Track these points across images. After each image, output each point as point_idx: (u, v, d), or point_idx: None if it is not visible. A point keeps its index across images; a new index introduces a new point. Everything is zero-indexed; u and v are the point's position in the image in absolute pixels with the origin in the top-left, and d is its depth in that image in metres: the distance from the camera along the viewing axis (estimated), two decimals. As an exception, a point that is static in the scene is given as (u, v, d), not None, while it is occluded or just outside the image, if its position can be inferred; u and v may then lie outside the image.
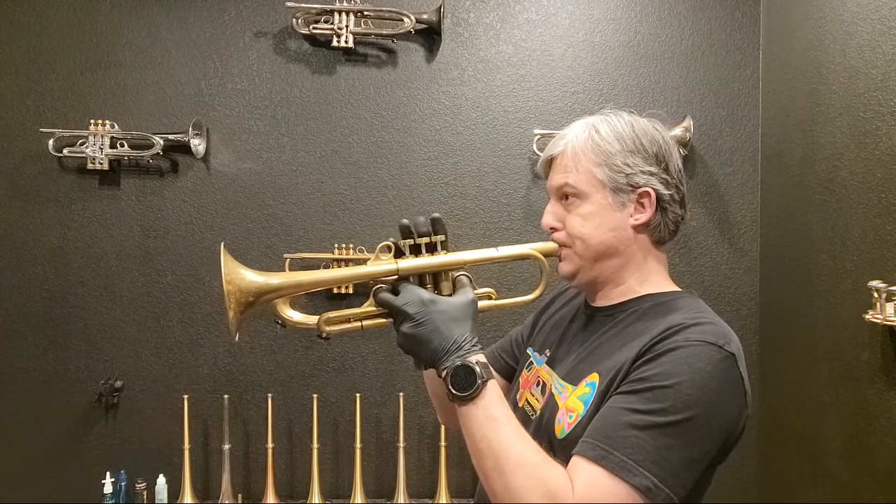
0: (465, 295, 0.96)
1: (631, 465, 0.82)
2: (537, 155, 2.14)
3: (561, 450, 0.92)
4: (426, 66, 2.23)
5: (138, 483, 2.07)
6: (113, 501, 2.04)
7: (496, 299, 1.07)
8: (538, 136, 2.13)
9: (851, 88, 1.64)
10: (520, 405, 1.10)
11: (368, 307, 0.97)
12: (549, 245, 1.05)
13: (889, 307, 1.39)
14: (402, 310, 0.92)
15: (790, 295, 2.00)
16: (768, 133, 2.18)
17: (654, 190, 1.02)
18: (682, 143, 2.13)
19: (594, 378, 0.96)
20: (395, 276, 0.96)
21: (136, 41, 2.18)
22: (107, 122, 2.12)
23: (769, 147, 2.17)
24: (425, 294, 0.94)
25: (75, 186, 2.17)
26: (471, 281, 1.00)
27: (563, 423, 0.95)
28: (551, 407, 1.01)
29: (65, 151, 2.10)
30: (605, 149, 1.04)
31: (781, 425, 2.04)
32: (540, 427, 1.01)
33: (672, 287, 1.06)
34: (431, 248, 0.99)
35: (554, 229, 1.06)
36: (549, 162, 1.08)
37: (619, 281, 1.06)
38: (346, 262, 2.14)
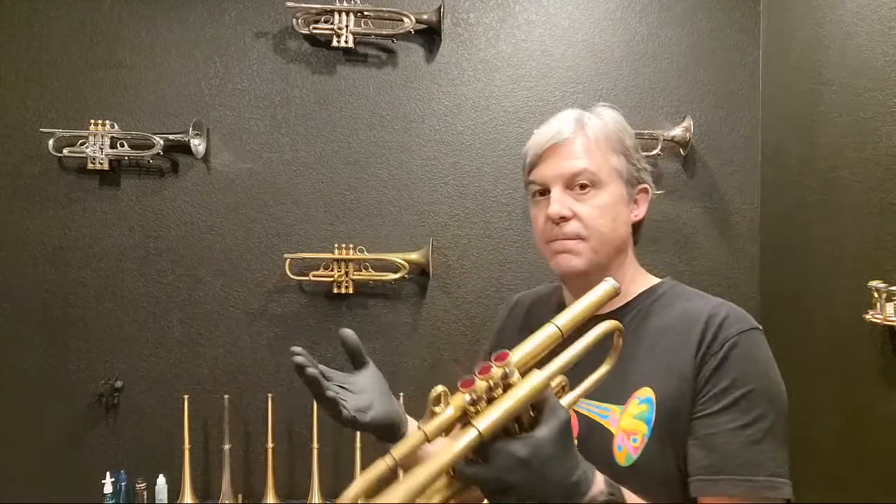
0: (557, 416, 0.72)
1: (773, 482, 0.85)
2: (537, 155, 2.14)
3: (630, 477, 0.84)
4: (426, 66, 2.23)
5: (138, 483, 2.06)
6: (113, 501, 2.04)
7: (575, 388, 0.83)
8: (538, 136, 2.13)
9: (851, 88, 1.64)
10: None
11: (447, 490, 0.72)
12: (613, 323, 0.84)
13: (889, 307, 1.40)
14: (501, 481, 0.70)
15: (790, 295, 2.00)
16: (768, 133, 2.18)
17: (650, 187, 1.03)
18: (682, 143, 2.14)
19: (647, 393, 0.90)
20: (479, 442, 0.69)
21: (136, 41, 2.18)
22: (107, 122, 2.12)
23: (769, 147, 2.17)
24: (520, 449, 0.69)
25: (75, 186, 2.17)
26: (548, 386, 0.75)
27: (627, 448, 0.88)
28: (597, 433, 0.91)
29: (65, 151, 2.10)
30: (622, 138, 1.00)
31: (781, 425, 2.04)
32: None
33: (652, 277, 1.06)
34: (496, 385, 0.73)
35: (564, 219, 0.96)
36: (550, 147, 0.99)
37: (624, 279, 1.00)
38: (346, 261, 2.14)
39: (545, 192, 0.99)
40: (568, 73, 2.22)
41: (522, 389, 0.70)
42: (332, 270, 2.14)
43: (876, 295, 1.43)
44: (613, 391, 0.91)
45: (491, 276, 2.20)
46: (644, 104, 2.21)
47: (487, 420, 0.68)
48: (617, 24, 2.22)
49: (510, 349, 0.73)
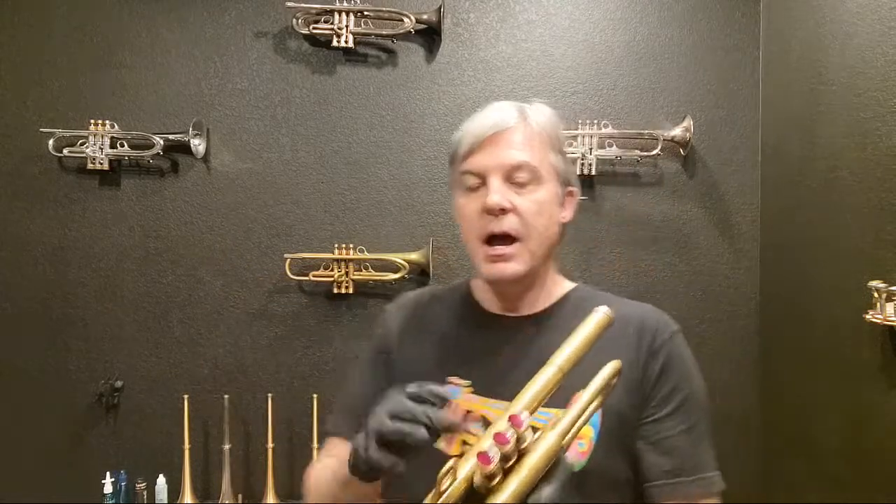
0: (565, 471, 0.70)
1: (717, 477, 0.91)
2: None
3: (581, 482, 0.81)
4: (426, 66, 2.23)
5: (138, 483, 2.06)
6: (113, 501, 2.04)
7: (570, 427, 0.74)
8: (538, 136, 2.13)
9: (851, 88, 1.64)
10: (453, 454, 0.86)
11: None
12: (616, 364, 0.80)
13: (889, 307, 1.40)
14: None
15: (790, 295, 2.00)
16: (768, 133, 2.18)
17: (576, 190, 1.01)
18: (682, 143, 2.14)
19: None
20: None
21: (136, 41, 2.18)
22: (107, 122, 2.12)
23: (769, 147, 2.17)
24: None
25: (75, 186, 2.16)
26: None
27: (575, 454, 0.86)
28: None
29: (65, 151, 2.10)
30: (559, 136, 0.98)
31: (782, 425, 2.05)
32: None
33: (568, 280, 1.04)
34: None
35: (504, 211, 0.91)
36: (492, 136, 0.93)
37: (545, 283, 0.99)
38: (346, 261, 2.14)
39: (480, 183, 0.93)
40: (568, 73, 2.22)
41: (539, 457, 0.66)
42: (332, 270, 2.14)
43: (876, 295, 1.43)
44: (556, 395, 0.81)
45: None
46: (644, 104, 2.21)
47: (508, 495, 0.64)
48: (617, 24, 2.22)
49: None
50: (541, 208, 0.93)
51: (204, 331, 2.19)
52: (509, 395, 0.84)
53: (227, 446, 2.09)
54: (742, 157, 2.22)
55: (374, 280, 2.16)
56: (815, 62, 1.83)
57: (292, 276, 2.14)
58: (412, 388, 0.74)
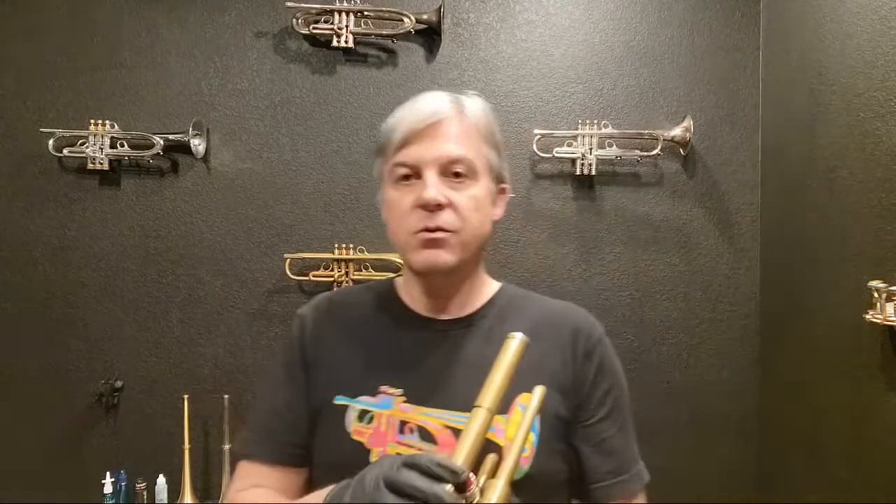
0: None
1: (644, 469, 0.96)
2: (538, 155, 2.14)
3: (524, 489, 0.80)
4: (426, 66, 2.22)
5: (138, 483, 2.06)
6: (113, 501, 2.04)
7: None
8: (538, 136, 2.13)
9: (851, 88, 1.64)
10: None
11: None
12: (543, 390, 0.82)
13: (889, 307, 1.39)
14: None
15: (790, 295, 2.00)
16: (768, 133, 2.18)
17: (508, 188, 0.99)
18: (683, 143, 2.13)
19: (527, 399, 0.84)
20: None
21: (136, 41, 2.18)
22: (107, 121, 2.12)
23: (769, 147, 2.17)
24: None
25: (75, 186, 2.16)
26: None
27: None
28: (486, 448, 0.82)
29: (65, 151, 2.10)
30: (494, 131, 0.94)
31: (782, 425, 2.04)
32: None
33: (493, 280, 1.02)
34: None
35: (440, 207, 0.86)
36: (428, 127, 0.88)
37: (475, 283, 0.96)
38: (346, 261, 2.14)
39: (414, 175, 0.89)
40: (568, 73, 2.22)
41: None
42: (332, 270, 2.14)
43: (876, 295, 1.43)
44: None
45: (491, 276, 2.20)
46: (644, 104, 2.21)
47: None
48: (617, 23, 2.22)
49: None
50: (477, 204, 0.89)
51: (204, 331, 2.19)
52: (445, 403, 0.86)
53: (227, 446, 2.09)
54: (742, 156, 2.22)
55: (374, 280, 2.16)
56: (815, 62, 1.83)
57: (292, 276, 2.14)
58: (412, 459, 0.66)
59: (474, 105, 0.92)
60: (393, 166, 0.90)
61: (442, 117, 0.88)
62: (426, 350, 0.91)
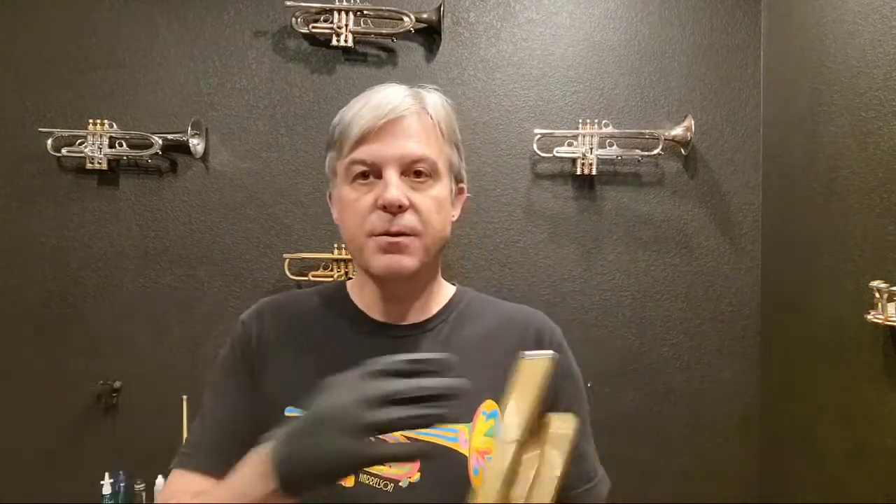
0: None
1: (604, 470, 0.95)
2: (538, 155, 2.13)
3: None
4: (426, 65, 2.22)
5: (137, 483, 2.06)
6: (112, 502, 2.03)
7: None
8: (538, 136, 2.12)
9: (853, 88, 1.64)
10: (357, 478, 0.80)
11: None
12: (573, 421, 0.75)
13: (890, 307, 1.39)
14: None
15: (791, 295, 2.00)
16: (769, 132, 2.18)
17: (465, 188, 0.97)
18: (684, 142, 2.13)
19: (491, 407, 0.82)
20: None
21: (135, 41, 2.18)
22: (105, 121, 2.11)
23: (770, 147, 2.17)
24: None
25: (74, 186, 2.16)
26: None
27: (484, 470, 0.79)
28: (450, 459, 0.81)
29: (63, 151, 2.10)
30: (455, 128, 0.90)
31: (782, 425, 2.04)
32: (429, 488, 0.79)
33: (448, 283, 0.98)
34: None
35: (402, 209, 0.82)
36: (387, 123, 0.83)
37: (433, 287, 0.92)
38: (346, 262, 2.13)
39: (373, 174, 0.84)
40: (569, 73, 2.21)
41: None
42: (331, 270, 2.14)
43: (877, 295, 1.42)
44: (456, 409, 0.69)
45: (491, 276, 2.20)
46: (645, 103, 2.20)
47: None
48: (618, 22, 2.21)
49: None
50: (439, 206, 0.85)
51: (203, 331, 2.18)
52: None
53: (226, 447, 2.08)
54: (743, 156, 2.21)
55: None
56: (816, 61, 1.83)
57: (291, 276, 2.13)
58: (381, 364, 0.63)
59: (435, 101, 0.88)
60: (349, 163, 0.85)
61: (403, 113, 0.84)
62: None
